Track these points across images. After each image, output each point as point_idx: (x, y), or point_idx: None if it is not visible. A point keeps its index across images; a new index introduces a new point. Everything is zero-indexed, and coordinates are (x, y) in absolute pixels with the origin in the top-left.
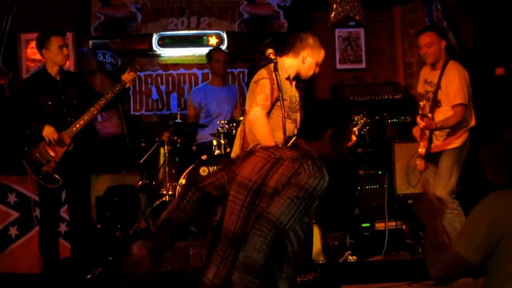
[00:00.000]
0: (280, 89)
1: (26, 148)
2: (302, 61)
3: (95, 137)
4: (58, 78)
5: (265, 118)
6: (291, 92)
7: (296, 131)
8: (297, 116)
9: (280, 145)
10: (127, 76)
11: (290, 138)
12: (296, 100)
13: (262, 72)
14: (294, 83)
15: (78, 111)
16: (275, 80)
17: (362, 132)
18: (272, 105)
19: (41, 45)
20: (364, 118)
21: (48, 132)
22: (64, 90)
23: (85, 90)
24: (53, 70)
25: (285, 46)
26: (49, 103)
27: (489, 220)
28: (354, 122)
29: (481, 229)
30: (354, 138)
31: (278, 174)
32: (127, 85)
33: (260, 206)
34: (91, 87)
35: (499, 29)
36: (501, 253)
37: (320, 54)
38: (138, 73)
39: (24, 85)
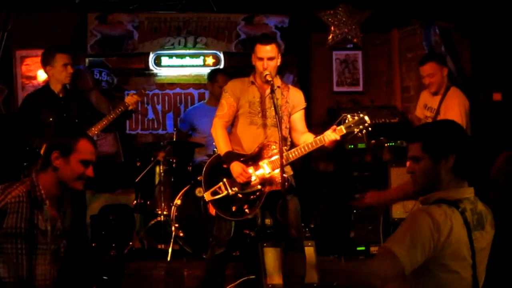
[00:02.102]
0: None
1: (25, 164)
2: (253, 62)
3: None
4: (61, 95)
5: (218, 127)
6: (253, 97)
7: (269, 137)
8: (270, 121)
9: (246, 154)
10: (130, 99)
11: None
12: (265, 105)
13: (228, 83)
14: (264, 87)
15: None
16: (232, 90)
17: (360, 134)
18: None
19: (46, 62)
20: (360, 115)
21: None
22: (66, 108)
23: (88, 109)
24: (56, 87)
25: None
26: (51, 119)
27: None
28: (344, 119)
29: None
30: (337, 137)
31: None
32: (130, 108)
33: None
34: (94, 107)
35: (496, 54)
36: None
37: (256, 49)
38: (134, 91)
39: (27, 101)
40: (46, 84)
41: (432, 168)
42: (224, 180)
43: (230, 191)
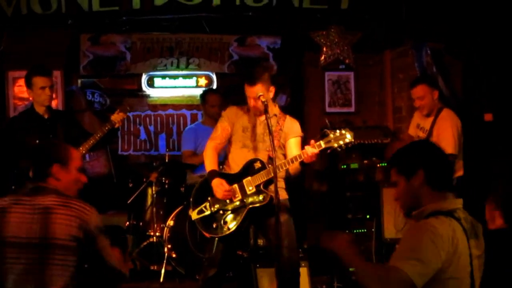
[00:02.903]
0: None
1: (13, 187)
2: (264, 94)
3: None
4: (46, 116)
5: (208, 149)
6: (247, 123)
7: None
8: (262, 145)
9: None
10: (116, 117)
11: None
12: (258, 130)
13: (226, 109)
14: (266, 115)
15: None
16: (228, 115)
17: (339, 149)
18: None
19: (27, 85)
20: (343, 132)
21: None
22: (52, 129)
23: (74, 128)
24: (40, 109)
25: None
26: (37, 141)
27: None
28: (325, 134)
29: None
30: (314, 151)
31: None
32: (116, 125)
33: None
34: (81, 126)
35: (487, 75)
36: None
37: (245, 87)
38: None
39: (11, 123)
40: (31, 106)
41: (408, 187)
42: (209, 198)
43: (213, 208)
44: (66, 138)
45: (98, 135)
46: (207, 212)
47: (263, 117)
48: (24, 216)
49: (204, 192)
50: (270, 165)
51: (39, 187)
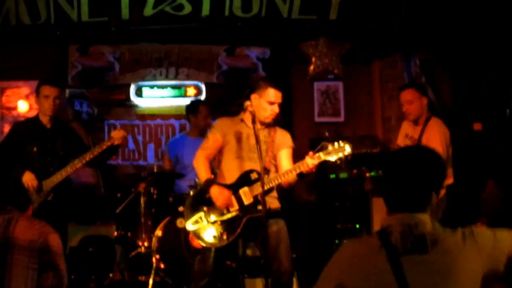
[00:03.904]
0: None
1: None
2: (253, 102)
3: (70, 186)
4: (48, 126)
5: (199, 157)
6: (240, 134)
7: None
8: (256, 155)
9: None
10: (116, 133)
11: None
12: (251, 141)
13: (218, 120)
14: (253, 125)
15: (63, 162)
16: (220, 126)
17: (339, 162)
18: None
19: (36, 93)
20: (341, 144)
21: (28, 178)
22: (52, 140)
23: (74, 142)
24: (43, 118)
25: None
26: (35, 150)
27: None
28: (323, 146)
29: None
30: (315, 163)
31: None
32: (116, 142)
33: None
34: (82, 141)
35: (476, 85)
36: None
37: (269, 92)
38: (115, 121)
39: (14, 129)
40: (37, 114)
41: None
42: (205, 208)
43: (210, 219)
44: (64, 150)
45: (96, 151)
46: (203, 222)
47: (257, 127)
48: None
49: (199, 203)
50: (266, 175)
51: None
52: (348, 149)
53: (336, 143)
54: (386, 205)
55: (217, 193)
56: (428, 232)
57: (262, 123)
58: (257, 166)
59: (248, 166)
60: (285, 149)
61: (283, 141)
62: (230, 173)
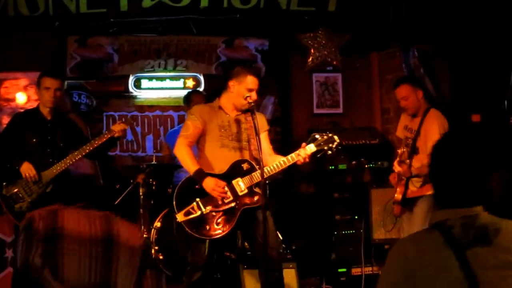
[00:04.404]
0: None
1: (4, 183)
2: (231, 89)
3: (68, 177)
4: (48, 118)
5: (183, 146)
6: (222, 121)
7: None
8: (246, 144)
9: (218, 174)
10: (117, 126)
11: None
12: (234, 129)
13: (193, 107)
14: (234, 112)
15: (62, 154)
16: (200, 113)
17: (330, 152)
18: (201, 136)
19: (37, 84)
20: (329, 134)
21: (25, 168)
22: (52, 131)
23: (74, 134)
24: (44, 109)
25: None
26: (34, 140)
27: None
28: (314, 138)
29: None
30: (307, 153)
31: None
32: (116, 135)
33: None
34: (82, 133)
35: (475, 76)
36: None
37: (248, 79)
38: (113, 113)
39: (14, 120)
40: (37, 105)
41: None
42: (197, 200)
43: (204, 210)
44: (63, 141)
45: (96, 142)
46: (197, 214)
47: (235, 114)
48: None
49: (188, 193)
50: (258, 166)
51: None
52: (336, 138)
53: (325, 135)
54: (438, 201)
55: (212, 185)
56: (489, 222)
57: (239, 110)
58: (245, 156)
59: (236, 155)
60: (263, 132)
61: (261, 125)
62: (218, 162)
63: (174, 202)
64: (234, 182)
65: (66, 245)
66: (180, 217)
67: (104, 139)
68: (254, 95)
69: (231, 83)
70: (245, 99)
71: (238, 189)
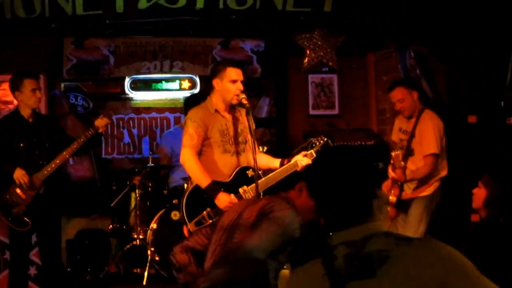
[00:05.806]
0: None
1: None
2: (216, 88)
3: (67, 180)
4: (31, 120)
5: (193, 158)
6: (221, 126)
7: (243, 163)
8: (244, 147)
9: (224, 181)
10: (100, 122)
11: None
12: (231, 132)
13: (190, 112)
14: (228, 113)
15: (51, 154)
16: (201, 119)
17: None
18: (203, 143)
19: (14, 87)
20: (324, 138)
21: (19, 174)
22: (37, 133)
23: (57, 133)
24: (26, 112)
25: None
26: (21, 145)
27: None
28: (312, 144)
29: None
30: (309, 161)
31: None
32: (100, 130)
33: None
34: (64, 131)
35: (471, 77)
36: None
37: (228, 72)
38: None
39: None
40: (16, 109)
41: None
42: (208, 209)
43: (215, 219)
44: (49, 142)
45: (81, 139)
46: (208, 223)
47: (230, 116)
48: None
49: (198, 201)
50: (260, 172)
51: None
52: (330, 142)
53: (320, 139)
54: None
55: (226, 202)
56: (376, 250)
57: (232, 106)
58: (246, 160)
59: (238, 160)
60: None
61: (252, 123)
62: (222, 169)
63: (184, 212)
64: (241, 190)
65: None
66: (191, 226)
67: (89, 136)
68: (240, 85)
69: (215, 82)
70: (235, 95)
71: (245, 198)
